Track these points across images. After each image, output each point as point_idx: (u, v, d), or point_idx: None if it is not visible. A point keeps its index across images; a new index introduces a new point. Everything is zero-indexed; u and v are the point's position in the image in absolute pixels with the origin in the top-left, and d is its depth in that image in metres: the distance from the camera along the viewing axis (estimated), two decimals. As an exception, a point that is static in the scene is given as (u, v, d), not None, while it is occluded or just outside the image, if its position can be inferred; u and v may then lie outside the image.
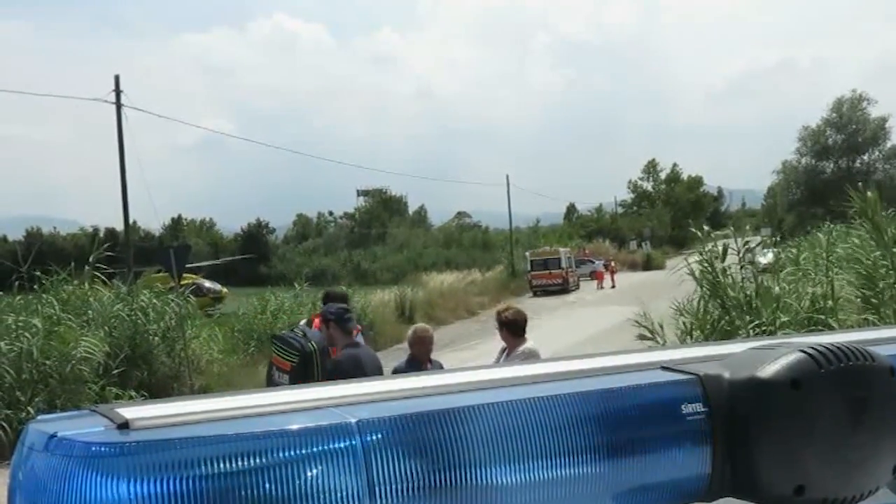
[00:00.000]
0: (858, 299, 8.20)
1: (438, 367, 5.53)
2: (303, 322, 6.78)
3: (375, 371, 5.36)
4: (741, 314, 8.15)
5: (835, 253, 9.45)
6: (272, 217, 64.86)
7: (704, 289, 8.92)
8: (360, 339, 5.78)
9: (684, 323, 8.88)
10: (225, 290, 40.96)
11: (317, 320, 6.08)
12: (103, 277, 13.30)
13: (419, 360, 5.65)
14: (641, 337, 8.92)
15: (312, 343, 5.41)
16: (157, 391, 11.97)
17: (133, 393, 11.40)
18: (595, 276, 42.80)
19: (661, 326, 8.84)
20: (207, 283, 40.13)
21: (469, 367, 0.83)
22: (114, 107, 23.50)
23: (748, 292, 8.48)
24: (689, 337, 8.64)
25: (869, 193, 8.54)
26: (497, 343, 6.10)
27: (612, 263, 45.71)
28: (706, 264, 8.78)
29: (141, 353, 12.60)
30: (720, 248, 9.36)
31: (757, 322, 7.91)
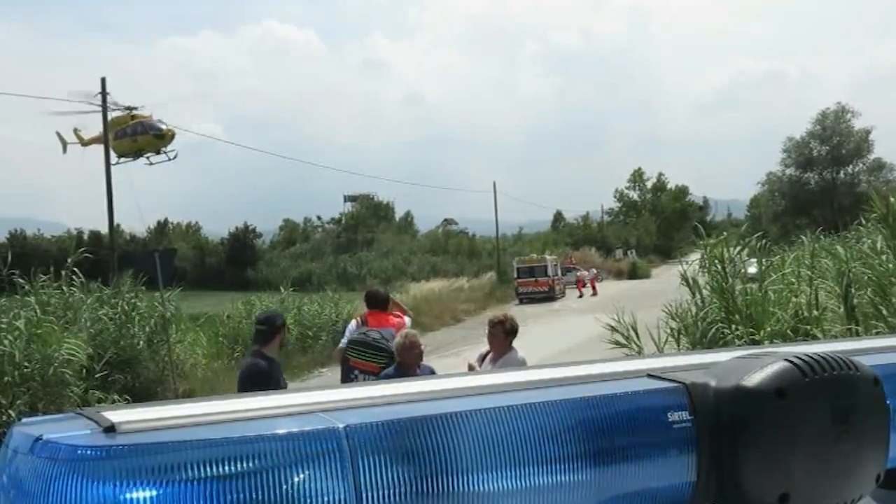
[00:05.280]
0: (841, 309, 8.23)
1: (429, 373, 5.55)
2: (353, 323, 6.88)
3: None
4: (742, 321, 8.15)
5: (818, 263, 9.49)
6: (259, 222, 64.50)
7: (708, 294, 8.93)
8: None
9: (673, 329, 8.89)
10: (169, 127, 39.88)
11: (393, 318, 6.70)
12: (86, 278, 13.20)
13: (408, 366, 5.66)
14: (616, 343, 8.90)
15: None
16: (140, 395, 11.88)
17: (116, 397, 11.31)
18: (588, 283, 43.20)
19: (636, 332, 8.84)
20: (164, 127, 39.19)
21: (457, 374, 0.83)
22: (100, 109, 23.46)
23: (746, 300, 8.49)
24: (676, 343, 8.65)
25: (892, 199, 8.41)
26: (481, 349, 6.09)
27: (595, 272, 46.55)
28: (717, 266, 8.74)
29: (125, 356, 12.51)
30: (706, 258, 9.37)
31: (749, 330, 7.92)
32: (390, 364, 5.84)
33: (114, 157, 35.78)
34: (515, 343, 5.81)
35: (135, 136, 38.60)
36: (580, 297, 39.74)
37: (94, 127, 35.29)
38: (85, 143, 38.66)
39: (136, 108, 38.65)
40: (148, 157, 39.22)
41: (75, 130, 38.98)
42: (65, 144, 39.91)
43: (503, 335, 5.72)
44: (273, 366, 5.59)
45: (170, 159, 39.94)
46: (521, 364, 5.43)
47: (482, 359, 5.92)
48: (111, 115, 35.71)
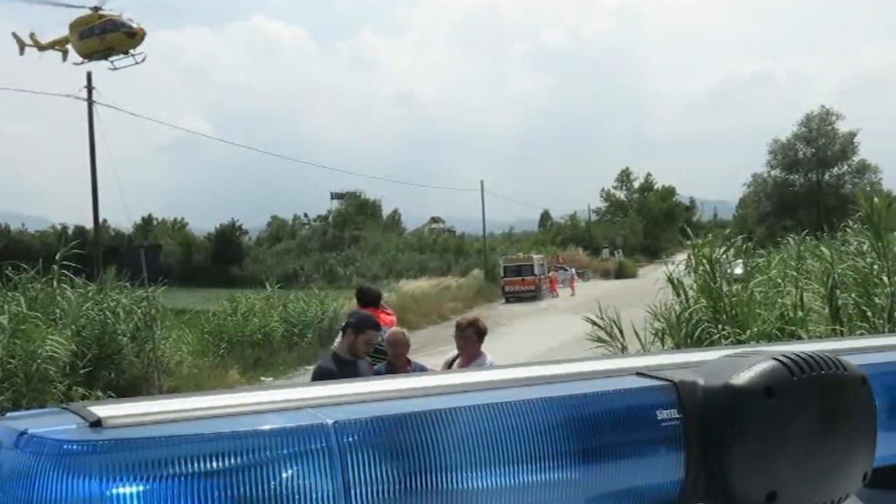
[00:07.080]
0: (826, 310, 8.28)
1: (420, 370, 5.53)
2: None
3: None
4: (728, 321, 8.18)
5: (804, 265, 9.55)
6: (246, 218, 64.40)
7: (695, 294, 8.96)
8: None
9: (659, 329, 8.92)
10: (140, 25, 38.57)
11: (385, 316, 6.62)
12: (70, 276, 13.11)
13: (396, 363, 5.67)
14: (598, 339, 8.90)
15: None
16: (125, 392, 11.82)
17: (100, 393, 11.25)
18: (570, 283, 43.37)
19: (620, 329, 8.85)
20: (135, 25, 37.73)
21: (446, 371, 0.83)
22: (86, 103, 23.33)
23: (732, 300, 8.52)
24: (661, 342, 8.68)
25: (876, 200, 8.40)
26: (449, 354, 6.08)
27: (574, 271, 47.04)
28: (705, 265, 8.76)
29: (109, 353, 12.44)
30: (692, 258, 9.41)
31: (736, 330, 7.96)
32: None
33: (77, 59, 35.14)
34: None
35: (103, 35, 36.33)
36: (555, 297, 39.95)
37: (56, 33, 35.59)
38: (42, 48, 37.39)
39: (101, 7, 36.99)
40: (112, 61, 36.75)
41: (31, 35, 37.53)
42: (22, 46, 38.08)
43: (476, 337, 5.53)
44: (346, 367, 5.14)
45: (137, 63, 37.58)
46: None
47: (449, 364, 5.80)
48: (75, 14, 35.60)
